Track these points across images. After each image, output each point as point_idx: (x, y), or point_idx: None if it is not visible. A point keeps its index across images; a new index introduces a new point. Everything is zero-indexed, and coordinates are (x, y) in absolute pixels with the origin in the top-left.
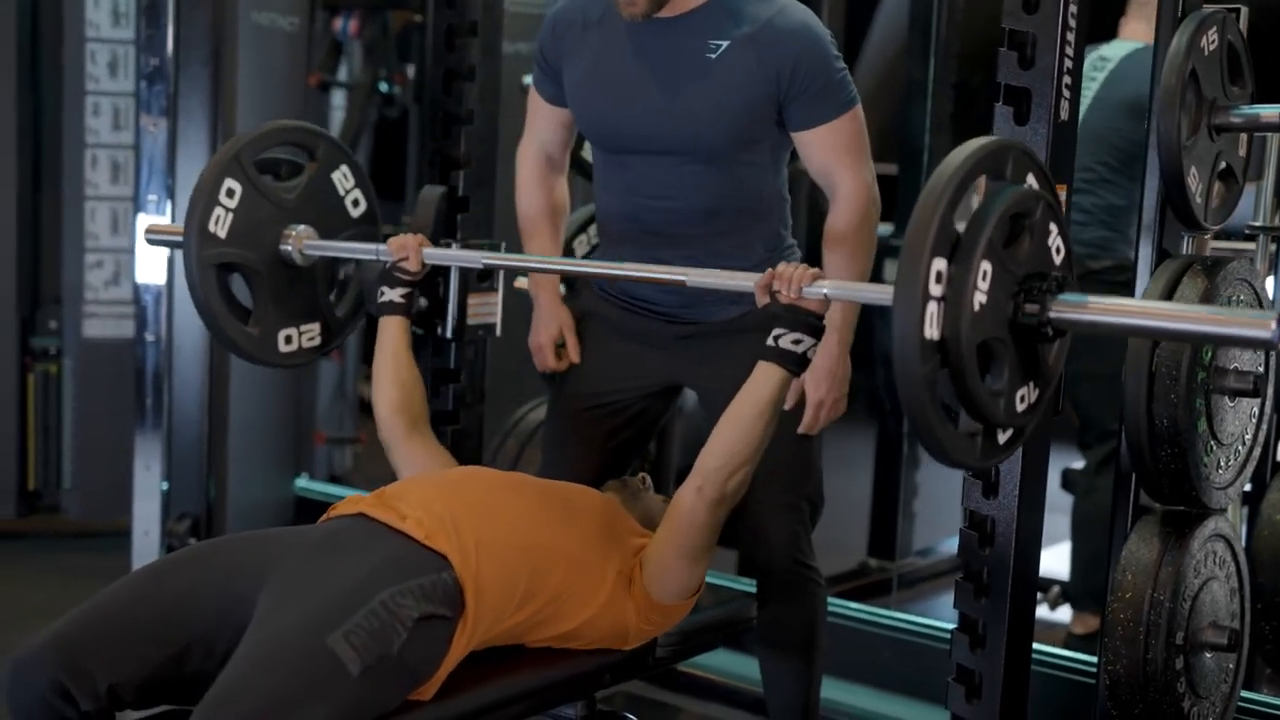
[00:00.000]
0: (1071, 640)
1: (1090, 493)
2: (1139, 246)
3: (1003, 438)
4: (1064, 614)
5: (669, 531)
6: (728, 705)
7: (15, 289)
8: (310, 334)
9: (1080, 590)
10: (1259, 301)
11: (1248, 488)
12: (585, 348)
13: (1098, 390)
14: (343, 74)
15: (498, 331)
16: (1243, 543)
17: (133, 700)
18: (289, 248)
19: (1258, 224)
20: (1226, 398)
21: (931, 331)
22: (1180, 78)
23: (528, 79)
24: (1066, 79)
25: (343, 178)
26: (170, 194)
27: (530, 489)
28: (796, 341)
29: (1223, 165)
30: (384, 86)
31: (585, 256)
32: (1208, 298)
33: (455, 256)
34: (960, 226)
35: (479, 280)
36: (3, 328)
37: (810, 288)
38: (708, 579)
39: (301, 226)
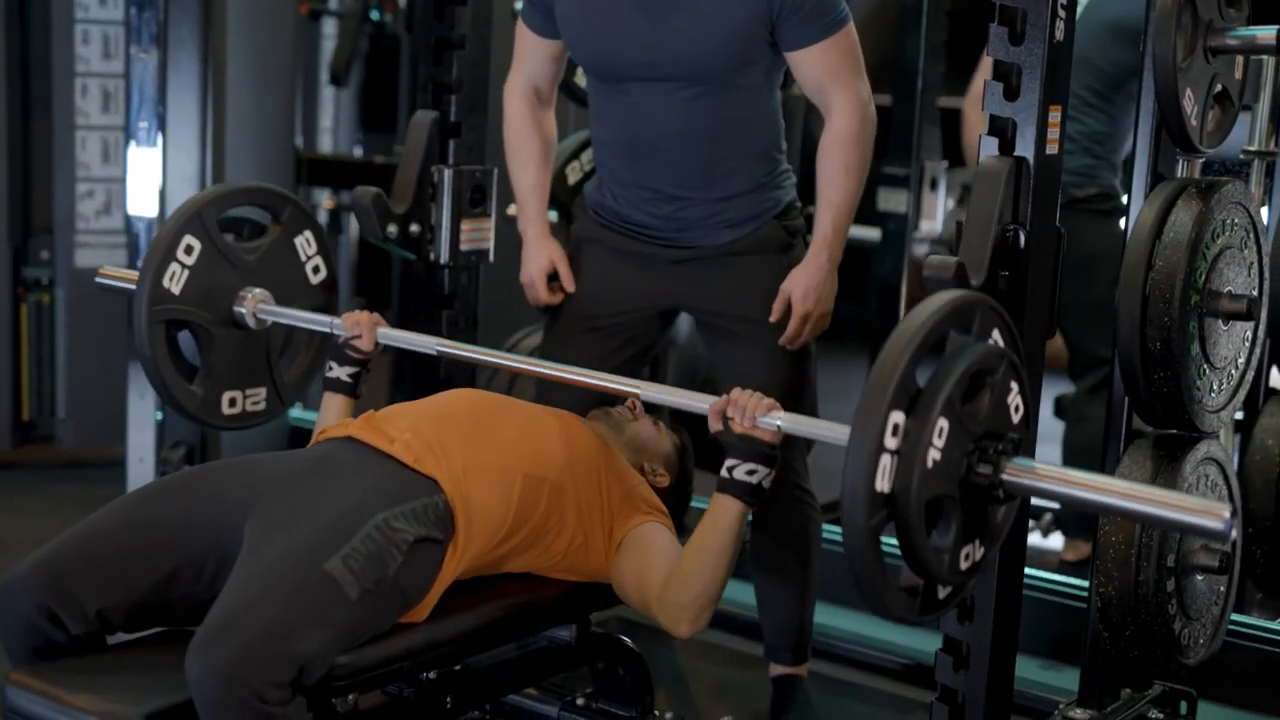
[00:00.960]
0: (1063, 567)
1: (1081, 421)
2: (1134, 169)
3: (942, 594)
4: (1055, 541)
5: (638, 596)
6: (722, 630)
7: (6, 219)
8: (255, 399)
9: (1072, 518)
10: (1253, 225)
11: (1240, 414)
12: (581, 273)
13: (1088, 318)
14: (333, 2)
15: (490, 258)
16: (1235, 468)
17: (122, 623)
18: (243, 310)
19: (1252, 149)
20: (1220, 321)
21: (882, 484)
22: None
23: (519, 2)
24: None
25: (305, 243)
26: (161, 123)
27: (517, 414)
28: (751, 472)
29: (1218, 88)
30: (375, 15)
31: (578, 184)
32: (1202, 220)
33: (409, 340)
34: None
35: (472, 207)
36: None
37: (765, 418)
38: (704, 507)
39: (258, 290)
